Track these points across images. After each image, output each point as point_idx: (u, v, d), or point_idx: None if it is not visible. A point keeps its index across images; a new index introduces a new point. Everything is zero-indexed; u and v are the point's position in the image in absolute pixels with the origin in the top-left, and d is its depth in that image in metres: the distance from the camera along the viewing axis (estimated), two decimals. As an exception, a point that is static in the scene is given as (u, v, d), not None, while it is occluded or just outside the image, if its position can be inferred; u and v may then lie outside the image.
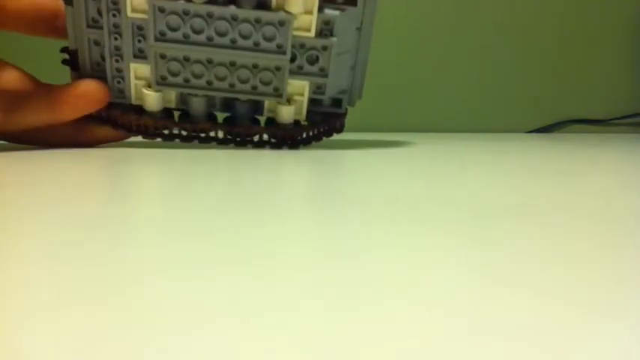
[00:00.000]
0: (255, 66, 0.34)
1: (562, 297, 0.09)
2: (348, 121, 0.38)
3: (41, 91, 0.34)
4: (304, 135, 0.37)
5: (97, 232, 0.13)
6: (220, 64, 0.33)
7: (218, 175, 0.23)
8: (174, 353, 0.07)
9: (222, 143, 0.36)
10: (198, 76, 0.34)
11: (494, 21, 0.66)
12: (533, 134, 0.64)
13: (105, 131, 0.36)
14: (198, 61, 0.33)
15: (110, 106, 0.35)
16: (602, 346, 0.07)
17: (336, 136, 0.39)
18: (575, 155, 0.35)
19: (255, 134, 0.36)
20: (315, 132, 0.37)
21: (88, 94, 0.34)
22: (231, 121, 0.36)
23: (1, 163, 0.27)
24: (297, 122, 0.36)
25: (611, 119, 0.68)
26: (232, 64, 0.33)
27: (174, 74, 0.34)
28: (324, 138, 0.38)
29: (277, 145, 0.37)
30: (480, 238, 0.12)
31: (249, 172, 0.24)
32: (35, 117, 0.33)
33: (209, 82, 0.34)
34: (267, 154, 0.33)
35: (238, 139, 0.36)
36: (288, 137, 0.36)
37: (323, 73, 0.34)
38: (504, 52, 0.67)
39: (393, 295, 0.09)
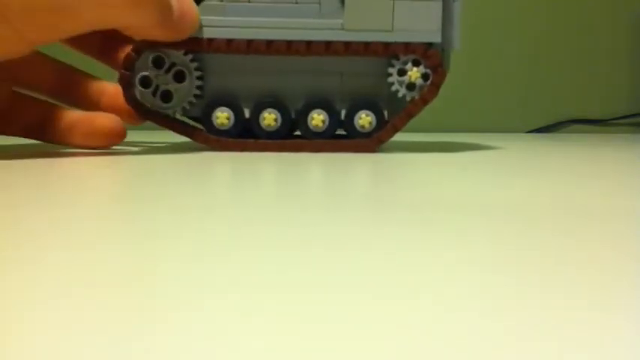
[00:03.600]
0: None
1: (561, 296, 0.09)
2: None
3: (58, 116, 0.32)
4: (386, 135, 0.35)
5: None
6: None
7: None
8: (180, 352, 0.07)
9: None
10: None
11: (494, 21, 0.66)
12: (533, 134, 0.63)
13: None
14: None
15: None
16: (603, 346, 0.07)
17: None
18: (575, 155, 0.35)
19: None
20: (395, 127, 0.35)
21: (105, 129, 0.32)
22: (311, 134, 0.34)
23: (8, 165, 0.27)
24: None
25: (611, 119, 0.68)
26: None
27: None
28: None
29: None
30: (480, 238, 0.12)
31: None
32: (46, 139, 0.33)
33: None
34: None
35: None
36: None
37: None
38: (504, 52, 0.67)
39: (400, 294, 0.09)
